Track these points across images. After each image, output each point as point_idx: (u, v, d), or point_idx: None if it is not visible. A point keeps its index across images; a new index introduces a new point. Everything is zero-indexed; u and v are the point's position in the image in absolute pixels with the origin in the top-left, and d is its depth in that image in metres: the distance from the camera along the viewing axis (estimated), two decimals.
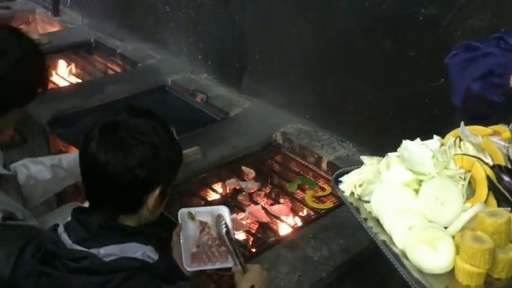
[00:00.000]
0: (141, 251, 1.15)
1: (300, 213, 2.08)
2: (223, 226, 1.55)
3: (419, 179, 1.23)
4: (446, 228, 1.14)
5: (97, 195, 1.17)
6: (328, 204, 2.08)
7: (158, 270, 1.16)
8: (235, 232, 1.90)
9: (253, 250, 1.84)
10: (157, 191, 1.17)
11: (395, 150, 1.33)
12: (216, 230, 1.55)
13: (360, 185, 1.33)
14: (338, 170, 1.45)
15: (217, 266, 1.52)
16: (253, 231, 1.94)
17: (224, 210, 1.65)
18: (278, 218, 2.01)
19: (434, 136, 1.34)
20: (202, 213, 1.65)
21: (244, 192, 2.12)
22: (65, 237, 1.13)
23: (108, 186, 1.13)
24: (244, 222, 1.98)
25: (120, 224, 1.17)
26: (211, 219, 1.58)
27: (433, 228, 1.13)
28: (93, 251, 1.10)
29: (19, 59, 1.39)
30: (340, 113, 2.38)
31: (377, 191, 1.27)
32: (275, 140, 2.49)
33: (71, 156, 1.76)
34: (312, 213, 2.05)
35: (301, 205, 2.10)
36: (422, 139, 1.32)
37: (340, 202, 2.05)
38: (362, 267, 1.84)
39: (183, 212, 1.61)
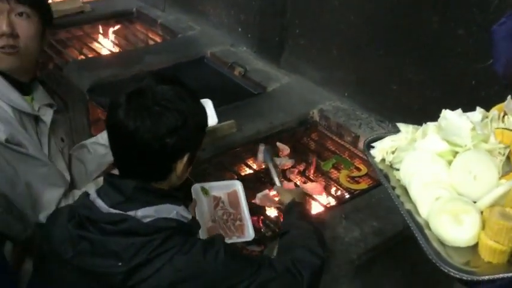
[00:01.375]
0: (175, 211, 1.16)
1: (333, 193, 2.04)
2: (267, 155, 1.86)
3: (454, 150, 1.16)
4: (475, 202, 1.08)
5: (126, 163, 1.18)
6: (363, 185, 2.04)
7: (193, 228, 1.19)
8: (267, 208, 1.89)
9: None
10: (185, 158, 1.17)
11: None
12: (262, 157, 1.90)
13: (393, 152, 1.27)
14: None
15: (234, 240, 1.52)
16: None
17: (238, 185, 1.64)
18: (310, 196, 1.98)
19: (478, 108, 1.25)
20: (216, 188, 1.64)
21: (277, 169, 2.10)
22: (99, 202, 1.14)
23: (137, 155, 1.13)
24: (276, 199, 1.96)
25: (153, 186, 1.18)
26: (224, 194, 1.58)
27: (460, 200, 1.08)
28: (130, 213, 1.12)
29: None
30: (381, 92, 2.31)
31: (407, 158, 1.21)
32: (312, 117, 2.44)
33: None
34: (346, 194, 2.01)
35: (335, 184, 2.06)
36: None
37: (376, 183, 2.00)
38: (394, 251, 1.80)
39: (196, 187, 1.61)
